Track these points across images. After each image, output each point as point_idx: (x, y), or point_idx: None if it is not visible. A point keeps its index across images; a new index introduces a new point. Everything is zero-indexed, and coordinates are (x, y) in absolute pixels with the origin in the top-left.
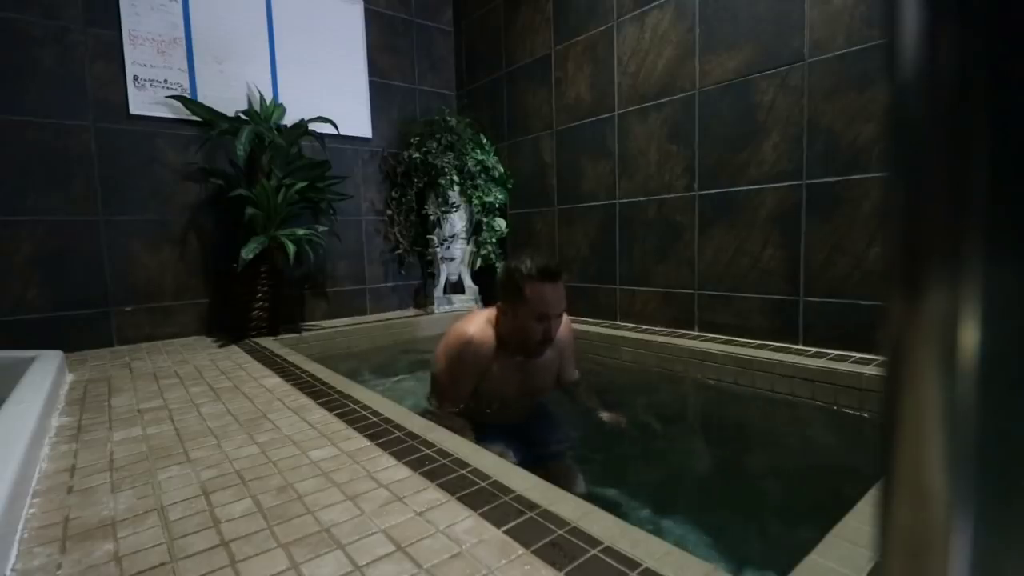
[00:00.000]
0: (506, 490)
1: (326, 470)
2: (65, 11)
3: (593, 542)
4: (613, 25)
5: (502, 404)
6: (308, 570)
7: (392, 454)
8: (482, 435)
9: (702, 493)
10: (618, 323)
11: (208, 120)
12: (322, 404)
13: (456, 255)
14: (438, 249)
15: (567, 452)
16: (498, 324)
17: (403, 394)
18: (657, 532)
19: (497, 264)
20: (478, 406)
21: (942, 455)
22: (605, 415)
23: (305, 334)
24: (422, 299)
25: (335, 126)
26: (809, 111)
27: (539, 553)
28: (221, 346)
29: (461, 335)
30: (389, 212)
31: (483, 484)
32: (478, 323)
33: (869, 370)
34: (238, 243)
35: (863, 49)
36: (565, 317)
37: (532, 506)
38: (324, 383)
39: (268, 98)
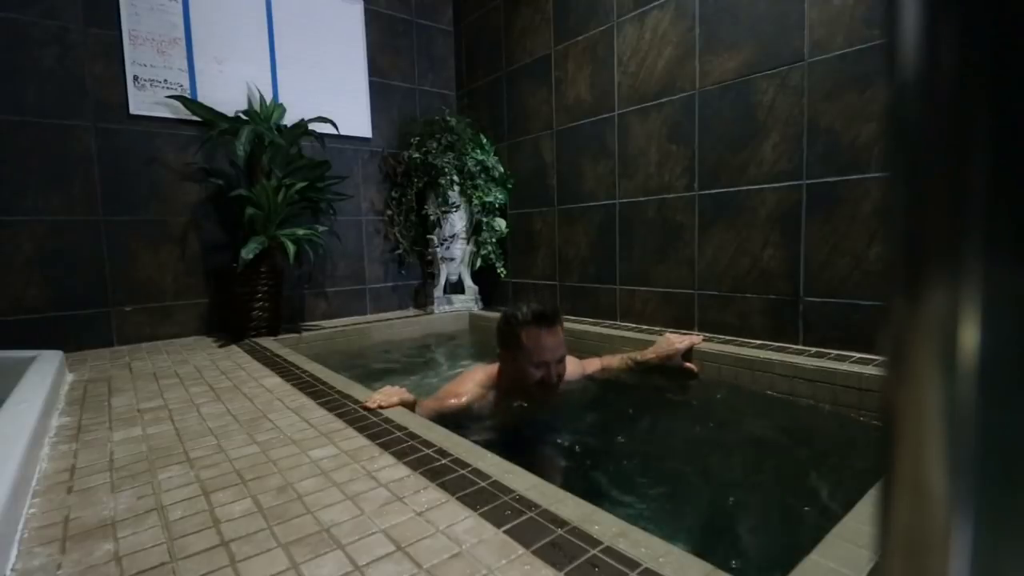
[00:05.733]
0: (506, 490)
1: (326, 469)
2: (65, 11)
3: (593, 542)
4: (613, 25)
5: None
6: (308, 570)
7: (392, 454)
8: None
9: (701, 493)
10: (618, 323)
11: (208, 120)
12: (322, 404)
13: (456, 255)
14: (438, 249)
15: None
16: (499, 377)
17: None
18: (656, 532)
19: (497, 264)
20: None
21: (942, 455)
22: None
23: (305, 334)
24: (422, 299)
25: (335, 126)
26: (809, 111)
27: (539, 553)
28: (221, 346)
29: (458, 402)
30: (389, 212)
31: (483, 484)
32: (474, 388)
33: (869, 370)
34: (238, 243)
35: (863, 49)
36: (570, 365)
37: (532, 506)
38: (324, 383)
39: (268, 98)
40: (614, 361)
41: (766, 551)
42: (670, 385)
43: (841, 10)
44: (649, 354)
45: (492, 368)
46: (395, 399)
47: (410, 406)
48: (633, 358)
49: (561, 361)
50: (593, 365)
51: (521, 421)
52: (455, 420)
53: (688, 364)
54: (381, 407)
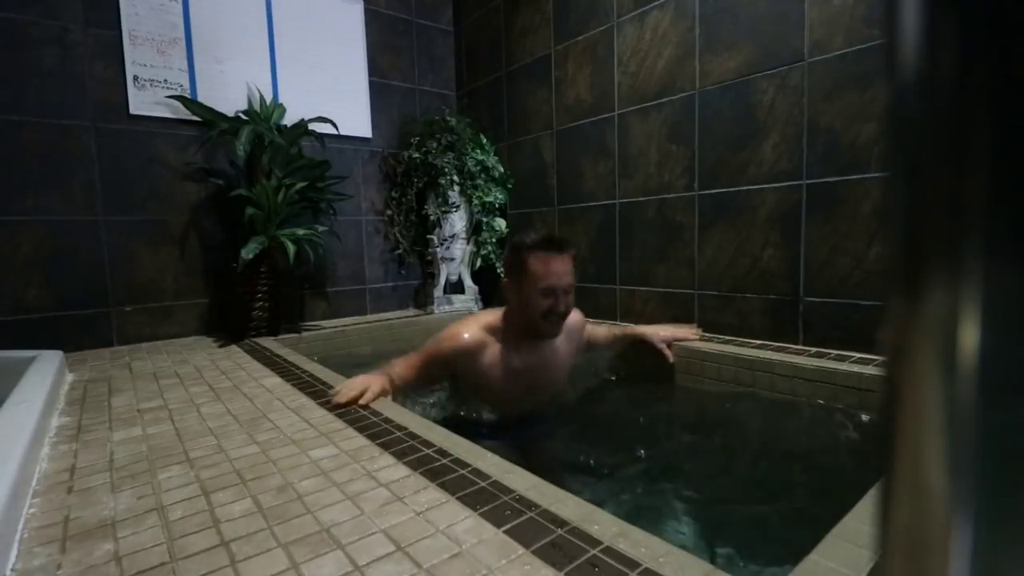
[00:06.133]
0: (506, 490)
1: (326, 469)
2: (65, 11)
3: (593, 542)
4: (613, 25)
5: (505, 404)
6: (308, 570)
7: (392, 454)
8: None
9: (701, 493)
10: (618, 323)
11: (208, 120)
12: (322, 404)
13: (456, 255)
14: (438, 249)
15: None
16: (505, 317)
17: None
18: (656, 532)
19: (497, 264)
20: (478, 405)
21: (942, 455)
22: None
23: (305, 334)
24: (422, 299)
25: (335, 126)
26: (809, 111)
27: (539, 553)
28: (221, 346)
29: (456, 343)
30: (389, 212)
31: (483, 484)
32: (477, 330)
33: (869, 370)
34: (238, 243)
35: (863, 49)
36: (577, 315)
37: (532, 506)
38: (324, 383)
39: (268, 98)
40: (610, 333)
41: (764, 550)
42: (669, 383)
43: (841, 10)
44: (636, 330)
45: (498, 311)
46: (368, 395)
47: (385, 391)
48: (624, 330)
49: (569, 292)
50: (595, 331)
51: (517, 412)
52: (451, 366)
53: (666, 351)
54: (351, 402)
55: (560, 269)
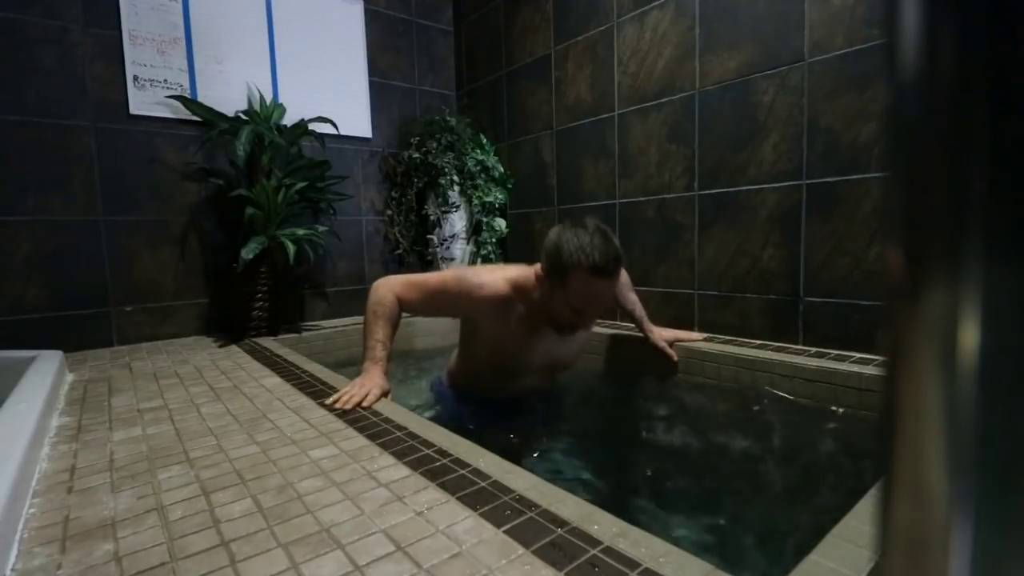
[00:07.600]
0: (506, 490)
1: (326, 469)
2: (65, 11)
3: (593, 542)
4: (613, 25)
5: (514, 375)
6: (308, 570)
7: (392, 454)
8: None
9: (700, 493)
10: (618, 323)
11: (208, 120)
12: (322, 404)
13: (456, 255)
14: (438, 249)
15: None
16: (532, 288)
17: (403, 393)
18: (656, 532)
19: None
20: (486, 375)
21: (942, 455)
22: (662, 342)
23: (305, 334)
24: None
25: (335, 126)
26: (809, 111)
27: (539, 553)
28: (221, 346)
29: (484, 281)
30: (389, 212)
31: (483, 484)
32: (505, 280)
33: (869, 370)
34: (238, 243)
35: (863, 49)
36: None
37: (532, 506)
38: (324, 383)
39: (268, 98)
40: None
41: (767, 552)
42: (669, 382)
43: (841, 10)
44: (643, 325)
45: (527, 271)
46: (370, 398)
47: (386, 392)
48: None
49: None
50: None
51: (527, 382)
52: (468, 312)
53: (667, 350)
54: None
55: (603, 295)
